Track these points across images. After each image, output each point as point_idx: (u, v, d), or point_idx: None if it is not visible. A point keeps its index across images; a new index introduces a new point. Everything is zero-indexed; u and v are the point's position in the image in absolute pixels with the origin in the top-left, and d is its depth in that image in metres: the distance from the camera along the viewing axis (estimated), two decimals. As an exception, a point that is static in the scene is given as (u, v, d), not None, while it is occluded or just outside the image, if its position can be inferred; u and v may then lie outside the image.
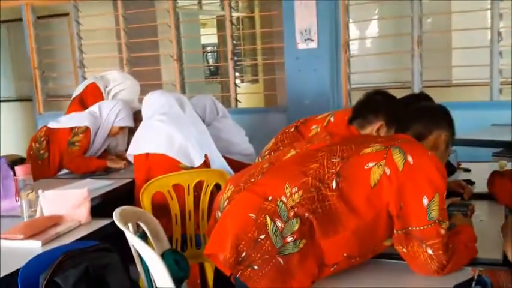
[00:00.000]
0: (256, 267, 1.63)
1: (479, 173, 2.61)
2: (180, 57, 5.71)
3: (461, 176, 2.87)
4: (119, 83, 4.05)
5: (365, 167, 1.70)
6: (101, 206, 2.82)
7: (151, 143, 3.05)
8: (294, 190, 1.70)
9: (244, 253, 1.66)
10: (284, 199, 1.68)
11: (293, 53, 5.08)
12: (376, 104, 2.32)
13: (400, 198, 1.67)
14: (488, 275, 1.56)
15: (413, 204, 1.65)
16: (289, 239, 1.63)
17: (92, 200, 2.86)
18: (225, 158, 3.64)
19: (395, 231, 1.69)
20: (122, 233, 2.04)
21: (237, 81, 9.02)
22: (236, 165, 3.40)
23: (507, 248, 1.72)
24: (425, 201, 1.65)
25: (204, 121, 3.86)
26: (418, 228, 1.65)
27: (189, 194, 2.92)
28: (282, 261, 1.62)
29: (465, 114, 4.54)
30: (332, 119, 2.59)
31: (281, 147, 2.67)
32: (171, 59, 5.63)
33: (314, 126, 2.66)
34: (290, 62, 5.14)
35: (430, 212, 1.64)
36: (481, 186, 2.52)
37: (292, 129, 2.72)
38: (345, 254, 1.69)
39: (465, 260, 1.72)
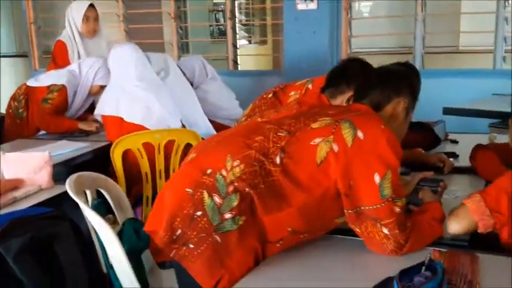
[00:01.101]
0: (192, 246, 1.55)
1: (467, 145, 2.48)
2: (180, 16, 5.56)
3: (447, 147, 2.75)
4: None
5: (311, 143, 1.58)
6: (80, 169, 2.74)
7: (128, 110, 2.97)
8: (235, 163, 1.59)
9: (179, 231, 1.56)
10: (224, 173, 1.58)
11: (292, 14, 4.91)
12: (350, 72, 2.17)
13: (349, 177, 1.55)
14: (445, 258, 1.48)
15: (364, 183, 1.54)
16: (228, 215, 1.54)
17: (67, 162, 2.81)
18: (212, 122, 3.56)
19: (345, 211, 1.58)
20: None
21: (244, 42, 8.82)
22: (223, 130, 3.30)
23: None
24: (376, 178, 1.53)
25: (192, 83, 3.76)
26: (370, 207, 1.54)
27: (159, 152, 2.86)
28: (219, 239, 1.53)
29: (466, 82, 4.43)
30: (310, 86, 2.46)
31: (258, 114, 2.56)
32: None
33: (292, 93, 2.53)
34: (289, 23, 4.98)
35: (382, 189, 1.53)
36: (466, 160, 2.39)
37: (270, 95, 2.59)
38: (289, 229, 1.59)
39: (427, 240, 1.63)
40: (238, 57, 5.64)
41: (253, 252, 1.57)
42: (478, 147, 2.29)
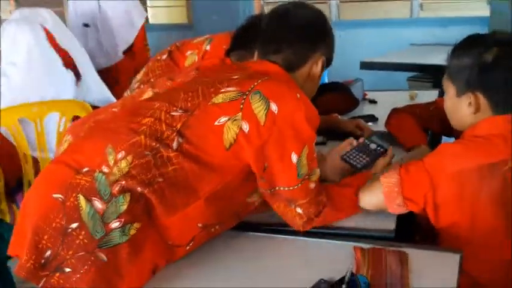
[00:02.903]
0: (68, 270, 1.17)
1: (386, 105, 2.23)
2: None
3: (365, 109, 2.50)
4: None
5: (216, 123, 1.29)
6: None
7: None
8: (119, 155, 1.24)
9: (48, 251, 1.19)
10: (105, 169, 1.22)
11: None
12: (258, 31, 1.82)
13: (263, 158, 1.32)
14: (368, 257, 1.26)
15: (280, 164, 1.34)
16: (115, 224, 1.19)
17: None
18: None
19: (259, 188, 1.39)
20: None
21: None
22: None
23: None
24: (294, 158, 1.34)
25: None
26: (286, 188, 1.36)
27: (39, 129, 2.43)
28: (105, 257, 1.18)
29: (382, 32, 4.20)
30: (208, 47, 2.09)
31: (152, 79, 2.19)
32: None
33: (189, 52, 2.16)
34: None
35: (300, 169, 1.35)
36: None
37: (165, 56, 2.20)
38: (200, 225, 1.32)
39: (341, 214, 1.47)
40: (148, 9, 5.16)
41: (152, 267, 1.26)
42: (392, 111, 2.04)
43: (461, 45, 1.48)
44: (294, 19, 1.53)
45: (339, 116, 2.24)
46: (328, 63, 1.59)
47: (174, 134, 1.28)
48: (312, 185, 1.38)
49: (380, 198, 1.39)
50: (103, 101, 2.78)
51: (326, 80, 2.76)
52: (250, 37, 1.79)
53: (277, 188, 1.36)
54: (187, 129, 1.29)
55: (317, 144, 1.98)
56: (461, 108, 1.46)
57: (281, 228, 1.46)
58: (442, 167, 1.35)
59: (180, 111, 1.31)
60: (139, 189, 1.21)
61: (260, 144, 1.30)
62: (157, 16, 5.95)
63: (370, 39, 4.14)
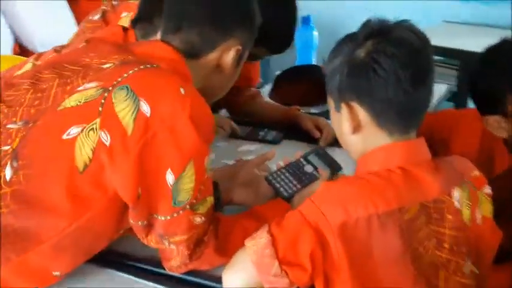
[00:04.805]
0: None
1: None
2: None
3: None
4: None
5: (64, 137, 0.95)
6: None
7: None
8: None
9: None
10: None
11: None
12: None
13: (135, 181, 0.97)
14: None
15: (154, 185, 0.99)
16: None
17: None
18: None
19: (130, 219, 1.04)
20: None
21: None
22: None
23: None
24: (169, 178, 0.98)
25: None
26: (160, 217, 1.02)
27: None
28: None
29: (410, 4, 3.61)
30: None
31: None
32: None
33: (124, 14, 1.72)
34: None
35: (176, 194, 0.99)
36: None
37: (98, 16, 1.79)
38: (56, 273, 1.03)
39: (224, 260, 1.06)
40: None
41: None
42: None
43: (335, 45, 1.06)
44: None
45: (301, 110, 1.81)
46: (248, 46, 1.20)
47: (8, 155, 0.95)
48: (198, 219, 1.04)
49: (250, 271, 0.96)
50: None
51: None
52: (156, 6, 1.36)
53: (150, 216, 1.02)
54: (24, 147, 0.95)
55: (269, 142, 1.59)
56: (344, 126, 1.03)
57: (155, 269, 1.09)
58: (323, 217, 0.93)
59: (19, 123, 0.97)
60: None
61: (129, 162, 0.94)
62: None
63: (397, 11, 3.54)
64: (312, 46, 2.34)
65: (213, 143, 1.61)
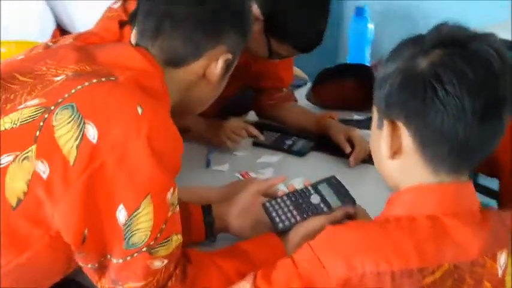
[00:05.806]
0: None
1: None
2: None
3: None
4: None
5: None
6: None
7: None
8: None
9: None
10: None
11: None
12: None
13: (79, 222, 0.82)
14: None
15: (102, 226, 0.84)
16: None
17: None
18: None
19: (79, 263, 0.90)
20: None
21: None
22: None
23: None
24: (121, 216, 0.82)
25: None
26: (113, 260, 0.87)
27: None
28: None
29: None
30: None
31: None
32: None
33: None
34: None
35: (129, 234, 0.83)
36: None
37: (118, 5, 1.63)
38: None
39: None
40: None
41: None
42: None
43: (396, 46, 0.82)
44: None
45: (341, 116, 1.59)
46: (237, 51, 1.02)
47: None
48: (157, 264, 0.87)
49: None
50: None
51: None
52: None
53: (101, 259, 0.87)
54: None
55: (294, 153, 1.38)
56: (382, 147, 0.81)
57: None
58: (323, 270, 0.74)
59: None
60: None
61: (71, 198, 0.80)
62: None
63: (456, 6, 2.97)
64: (366, 40, 2.09)
65: (230, 152, 1.43)
